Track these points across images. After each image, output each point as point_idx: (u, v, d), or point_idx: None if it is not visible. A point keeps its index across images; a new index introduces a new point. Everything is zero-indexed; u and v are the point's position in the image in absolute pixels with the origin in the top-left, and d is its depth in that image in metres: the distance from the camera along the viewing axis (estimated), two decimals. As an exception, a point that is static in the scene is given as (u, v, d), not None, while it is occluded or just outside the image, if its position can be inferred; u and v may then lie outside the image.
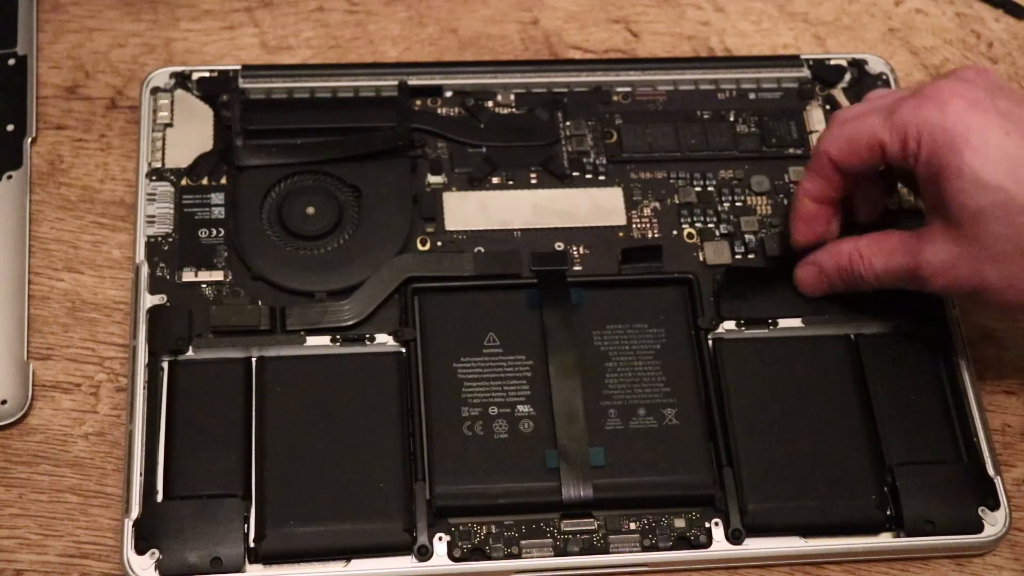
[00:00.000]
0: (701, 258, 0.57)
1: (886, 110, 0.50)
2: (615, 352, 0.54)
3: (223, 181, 0.57)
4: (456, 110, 0.60)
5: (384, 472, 0.51)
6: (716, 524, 0.51)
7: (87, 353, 0.54)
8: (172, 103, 0.59)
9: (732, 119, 0.60)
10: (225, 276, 0.55)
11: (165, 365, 0.52)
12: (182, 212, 0.56)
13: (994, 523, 0.52)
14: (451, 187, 0.58)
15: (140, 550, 0.49)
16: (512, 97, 0.60)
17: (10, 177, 0.57)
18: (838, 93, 0.61)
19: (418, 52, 0.63)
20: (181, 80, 0.59)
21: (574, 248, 0.57)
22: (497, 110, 0.60)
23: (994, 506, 0.52)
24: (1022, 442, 0.55)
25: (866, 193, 0.55)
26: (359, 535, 0.50)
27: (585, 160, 0.59)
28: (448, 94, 0.60)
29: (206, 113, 0.59)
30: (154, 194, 0.56)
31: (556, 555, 0.50)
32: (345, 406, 0.52)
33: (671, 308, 0.55)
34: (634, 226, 0.57)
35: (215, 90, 0.59)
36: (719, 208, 0.58)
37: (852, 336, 0.55)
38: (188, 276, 0.54)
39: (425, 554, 0.50)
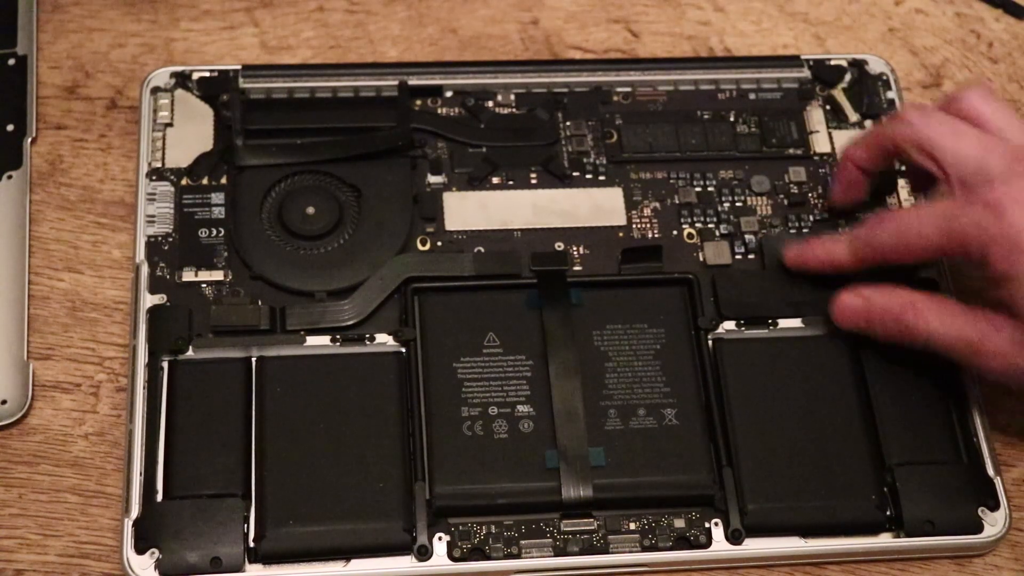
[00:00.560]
0: (701, 258, 0.57)
1: (942, 216, 0.50)
2: (615, 352, 0.54)
3: (223, 181, 0.57)
4: (456, 110, 0.60)
5: (384, 472, 0.51)
6: (716, 524, 0.51)
7: (87, 353, 0.54)
8: (172, 103, 0.59)
9: (732, 119, 0.60)
10: (225, 276, 0.55)
11: (165, 365, 0.52)
12: (182, 212, 0.56)
13: (994, 523, 0.52)
14: (451, 187, 0.58)
15: (140, 550, 0.49)
16: (512, 97, 0.60)
17: (10, 177, 0.57)
18: (838, 93, 0.61)
19: (418, 52, 0.63)
20: (181, 80, 0.59)
21: (574, 248, 0.57)
22: (497, 110, 0.60)
23: (994, 506, 0.52)
24: (1022, 442, 0.55)
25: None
26: (359, 535, 0.50)
27: (585, 160, 0.59)
28: (448, 94, 0.60)
29: (206, 113, 0.59)
30: (154, 194, 0.56)
31: (556, 555, 0.50)
32: (345, 406, 0.52)
33: (671, 308, 0.55)
34: (634, 226, 0.57)
35: (215, 90, 0.59)
36: (719, 208, 0.58)
37: (851, 336, 0.55)
38: (188, 276, 0.54)
39: (425, 554, 0.50)
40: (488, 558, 0.50)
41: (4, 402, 0.53)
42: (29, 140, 0.59)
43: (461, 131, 0.59)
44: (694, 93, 0.61)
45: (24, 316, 0.54)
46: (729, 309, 0.55)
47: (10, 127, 0.59)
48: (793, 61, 0.62)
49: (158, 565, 0.49)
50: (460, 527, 0.50)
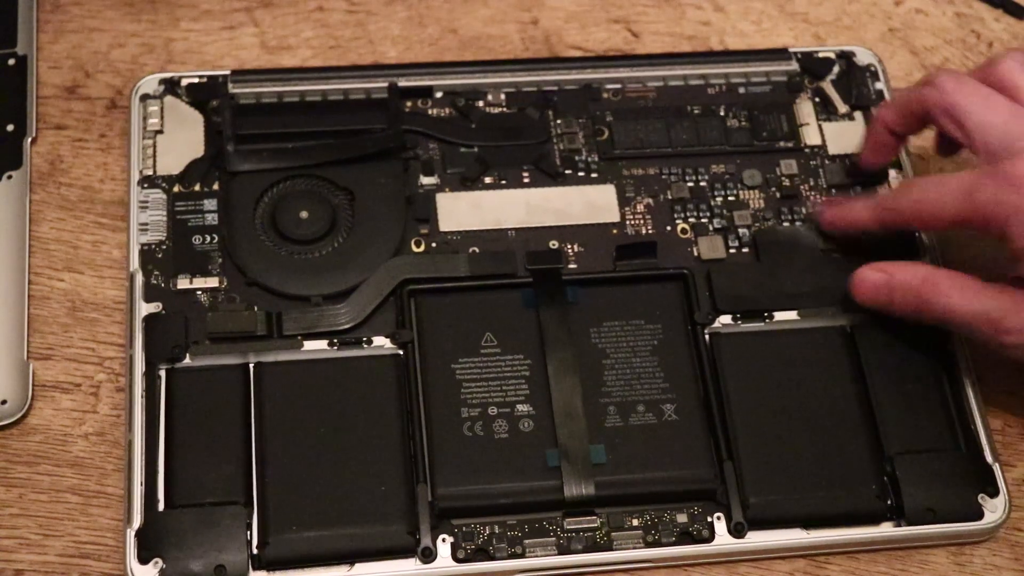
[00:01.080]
0: (695, 253, 0.57)
1: (965, 189, 0.50)
2: (613, 349, 0.54)
3: (215, 187, 0.57)
4: (447, 111, 0.60)
5: (385, 475, 0.51)
6: (718, 518, 0.51)
7: (87, 353, 0.54)
8: (162, 110, 0.58)
9: (722, 114, 0.60)
10: (220, 282, 0.55)
11: (163, 373, 0.52)
12: (175, 219, 0.56)
13: (994, 510, 0.52)
14: (444, 188, 0.58)
15: (143, 560, 0.49)
16: (502, 96, 0.60)
17: (10, 177, 0.57)
18: (827, 86, 0.61)
19: (418, 52, 0.63)
20: (170, 86, 0.59)
21: (568, 246, 0.57)
22: (488, 110, 0.60)
23: (994, 493, 0.52)
24: (1022, 442, 0.55)
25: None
26: (362, 539, 0.50)
27: (577, 158, 0.59)
28: (438, 95, 0.60)
29: (196, 119, 0.58)
30: (146, 202, 0.56)
31: (560, 553, 0.50)
32: (344, 410, 0.52)
33: (667, 304, 0.55)
34: (628, 223, 0.58)
35: (205, 96, 0.59)
36: (712, 203, 0.58)
37: (848, 327, 0.55)
38: (183, 283, 0.54)
39: (429, 556, 0.50)
40: (492, 558, 0.50)
41: (4, 402, 0.53)
42: (29, 140, 0.58)
43: (452, 132, 0.59)
44: (684, 88, 0.61)
45: (24, 316, 0.54)
46: (725, 303, 0.55)
47: (10, 127, 0.58)
48: (782, 54, 0.62)
49: (162, 575, 0.49)
50: (463, 528, 0.50)
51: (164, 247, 0.55)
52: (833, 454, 0.52)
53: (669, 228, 0.58)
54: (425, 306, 0.54)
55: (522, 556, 0.50)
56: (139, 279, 0.54)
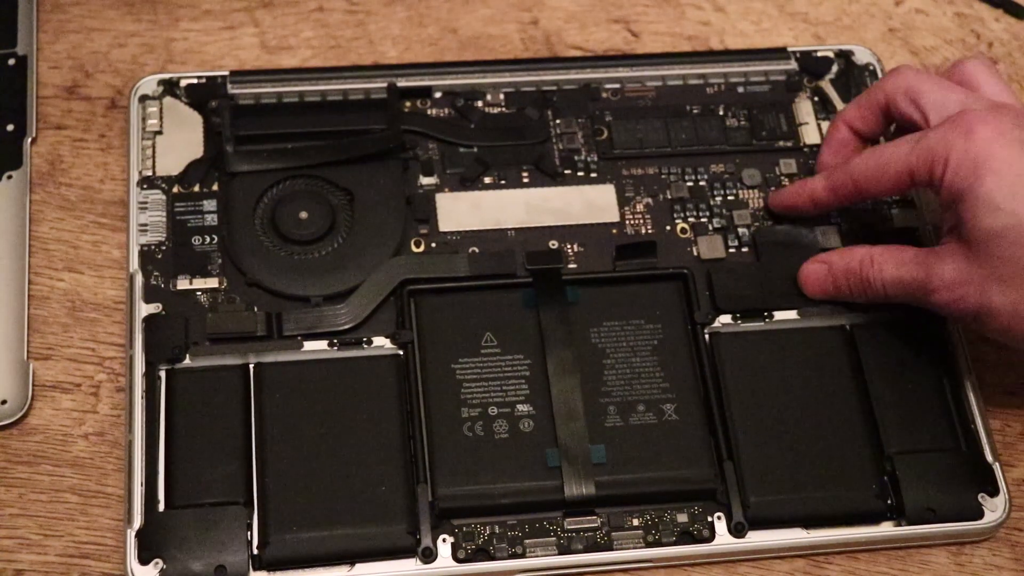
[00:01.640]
0: (695, 253, 0.57)
1: (915, 139, 0.51)
2: (612, 349, 0.54)
3: (215, 188, 0.57)
4: (446, 111, 0.60)
5: (386, 475, 0.51)
6: (719, 518, 0.51)
7: (87, 353, 0.54)
8: (161, 111, 0.58)
9: (722, 113, 0.60)
10: (220, 283, 0.55)
11: (163, 374, 0.52)
12: (174, 220, 0.56)
13: (994, 509, 0.52)
14: (443, 188, 0.58)
15: (144, 560, 0.49)
16: (501, 96, 0.60)
17: (10, 177, 0.57)
18: (826, 85, 0.61)
19: (418, 52, 0.63)
20: (169, 87, 0.59)
21: (568, 246, 0.57)
22: (487, 110, 0.60)
23: (994, 492, 0.52)
24: (1022, 442, 0.55)
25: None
26: (362, 539, 0.50)
27: (576, 158, 0.59)
28: (438, 95, 0.60)
29: (195, 120, 0.58)
30: (146, 203, 0.56)
31: (560, 553, 0.50)
32: (344, 410, 0.52)
33: (667, 303, 0.55)
34: (627, 222, 0.58)
35: (204, 96, 0.59)
36: (711, 202, 0.58)
37: (847, 326, 0.55)
38: (183, 284, 0.54)
39: (429, 556, 0.50)
40: (493, 558, 0.50)
41: (4, 402, 0.53)
42: (29, 140, 0.58)
43: (452, 132, 0.59)
44: (683, 88, 0.61)
45: (24, 316, 0.54)
46: (725, 303, 0.55)
47: (10, 127, 0.59)
48: (781, 54, 0.62)
49: (162, 575, 0.49)
50: (464, 528, 0.50)
51: (164, 248, 0.55)
52: (833, 454, 0.52)
53: (669, 228, 0.58)
54: (425, 306, 0.54)
55: (522, 556, 0.50)
56: (139, 279, 0.54)
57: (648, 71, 0.61)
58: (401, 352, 0.53)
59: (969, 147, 0.49)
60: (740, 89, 0.61)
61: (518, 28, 0.63)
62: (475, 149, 0.59)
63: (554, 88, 0.61)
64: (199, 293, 0.54)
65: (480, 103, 0.60)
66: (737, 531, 0.51)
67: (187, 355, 0.53)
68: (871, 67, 0.62)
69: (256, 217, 0.56)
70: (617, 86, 0.61)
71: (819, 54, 0.62)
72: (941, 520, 0.51)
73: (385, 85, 0.59)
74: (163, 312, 0.54)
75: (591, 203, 0.58)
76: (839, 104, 0.61)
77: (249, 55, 0.62)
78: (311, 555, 0.49)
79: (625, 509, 0.51)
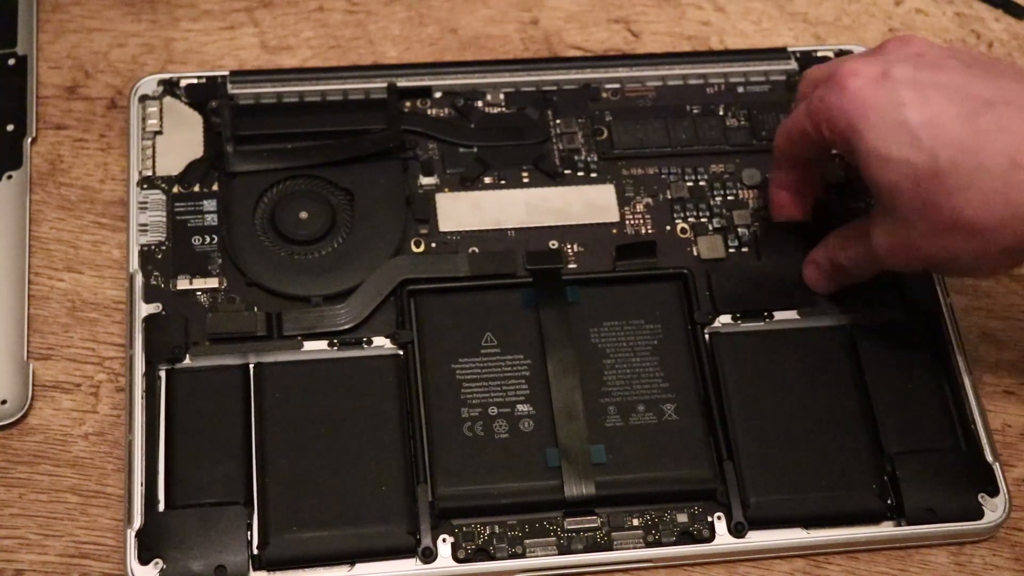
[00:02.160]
0: (695, 253, 0.57)
1: (806, 103, 0.50)
2: (612, 349, 0.54)
3: (215, 188, 0.57)
4: (446, 111, 0.60)
5: (386, 475, 0.51)
6: (719, 518, 0.51)
7: (87, 353, 0.54)
8: (161, 111, 0.58)
9: (721, 113, 0.60)
10: (220, 283, 0.55)
11: (163, 374, 0.52)
12: (175, 220, 0.56)
13: (994, 509, 0.52)
14: (443, 188, 0.58)
15: (144, 560, 0.49)
16: (501, 96, 0.60)
17: (10, 177, 0.57)
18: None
19: (418, 52, 0.63)
20: (169, 87, 0.59)
21: (568, 246, 0.57)
22: (487, 110, 0.60)
23: (994, 492, 0.52)
24: (1022, 442, 0.55)
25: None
26: (362, 539, 0.50)
27: (576, 158, 0.59)
28: (437, 95, 0.60)
29: (195, 120, 0.58)
30: (146, 203, 0.56)
31: (560, 553, 0.50)
32: (344, 410, 0.52)
33: (667, 303, 0.55)
34: (627, 222, 0.58)
35: (204, 96, 0.59)
36: (711, 202, 0.58)
37: (847, 326, 0.55)
38: (183, 284, 0.54)
39: (429, 556, 0.50)
40: (493, 558, 0.50)
41: (4, 402, 0.53)
42: (29, 140, 0.58)
43: (451, 132, 0.59)
44: (683, 88, 0.61)
45: (24, 316, 0.54)
46: (725, 303, 0.55)
47: (10, 127, 0.59)
48: (780, 54, 0.62)
49: (162, 575, 0.49)
50: (464, 528, 0.50)
51: (164, 248, 0.55)
52: (833, 454, 0.52)
53: (669, 228, 0.58)
54: (425, 306, 0.54)
55: (522, 556, 0.50)
56: (139, 280, 0.54)
57: (648, 71, 0.61)
58: (401, 352, 0.53)
59: (843, 103, 0.47)
60: (740, 89, 0.61)
61: (518, 28, 0.63)
62: (475, 149, 0.59)
63: (554, 88, 0.61)
64: (199, 293, 0.54)
65: (480, 103, 0.60)
66: (737, 531, 0.51)
67: (187, 355, 0.53)
68: (871, 67, 0.62)
69: (256, 217, 0.56)
70: (617, 86, 0.61)
71: (819, 54, 0.62)
72: (941, 520, 0.51)
73: (385, 85, 0.59)
74: (163, 312, 0.54)
75: (591, 203, 0.58)
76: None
77: (249, 55, 0.62)
78: (311, 555, 0.49)
79: (625, 509, 0.51)
